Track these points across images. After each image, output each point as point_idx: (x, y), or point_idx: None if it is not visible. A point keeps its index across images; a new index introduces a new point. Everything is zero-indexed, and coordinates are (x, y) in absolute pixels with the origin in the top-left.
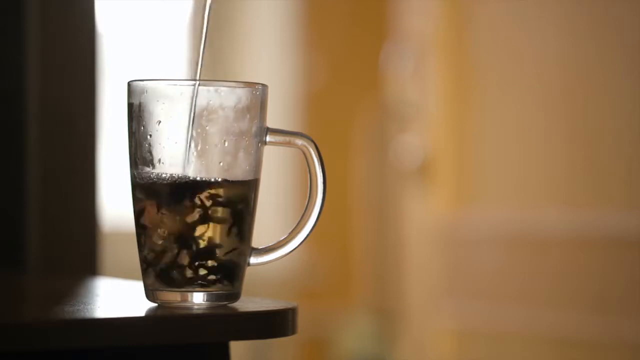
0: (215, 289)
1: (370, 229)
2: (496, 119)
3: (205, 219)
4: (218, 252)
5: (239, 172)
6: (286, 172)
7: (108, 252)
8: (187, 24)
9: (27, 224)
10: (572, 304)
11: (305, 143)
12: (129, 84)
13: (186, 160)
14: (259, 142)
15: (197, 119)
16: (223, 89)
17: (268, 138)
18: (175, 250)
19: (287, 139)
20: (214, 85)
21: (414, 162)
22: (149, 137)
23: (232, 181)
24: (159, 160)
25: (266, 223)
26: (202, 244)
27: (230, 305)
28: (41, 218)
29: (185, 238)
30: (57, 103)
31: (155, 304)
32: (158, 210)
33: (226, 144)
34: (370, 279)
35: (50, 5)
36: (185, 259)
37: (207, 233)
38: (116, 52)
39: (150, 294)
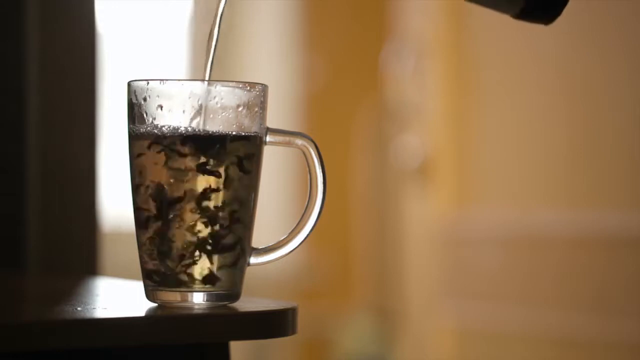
0: (215, 289)
1: (370, 229)
2: (496, 119)
3: (206, 215)
4: (218, 251)
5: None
6: (286, 172)
7: (108, 252)
8: (187, 24)
9: (27, 224)
10: (572, 304)
11: (305, 143)
12: (129, 84)
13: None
14: (259, 142)
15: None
16: (223, 89)
17: (268, 138)
18: (176, 248)
19: (287, 139)
20: (214, 85)
21: (414, 162)
22: None
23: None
24: None
25: (266, 223)
26: (202, 241)
27: (230, 305)
28: (41, 218)
29: (184, 236)
30: (57, 103)
31: (155, 304)
32: (159, 208)
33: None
34: (370, 279)
35: (50, 5)
36: (185, 256)
37: (207, 231)
38: (116, 52)
39: (150, 294)
